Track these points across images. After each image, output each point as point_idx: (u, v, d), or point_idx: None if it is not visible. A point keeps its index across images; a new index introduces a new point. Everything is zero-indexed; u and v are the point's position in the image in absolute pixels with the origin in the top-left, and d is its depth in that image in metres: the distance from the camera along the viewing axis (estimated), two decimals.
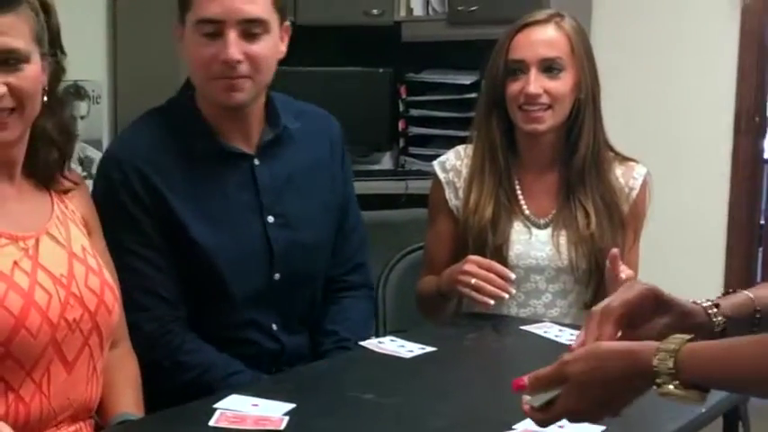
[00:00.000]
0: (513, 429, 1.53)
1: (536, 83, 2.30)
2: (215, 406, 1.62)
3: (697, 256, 4.12)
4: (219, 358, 2.02)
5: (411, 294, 2.49)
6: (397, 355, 1.98)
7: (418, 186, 3.72)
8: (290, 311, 2.14)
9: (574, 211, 2.36)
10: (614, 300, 1.40)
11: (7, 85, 1.60)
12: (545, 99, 2.31)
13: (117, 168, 2.02)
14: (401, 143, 4.42)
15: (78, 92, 3.61)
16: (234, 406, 1.63)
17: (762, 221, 4.32)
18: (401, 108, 4.39)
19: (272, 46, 2.04)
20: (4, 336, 1.56)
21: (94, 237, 1.82)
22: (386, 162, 4.47)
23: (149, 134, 2.07)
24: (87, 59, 3.62)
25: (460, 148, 2.49)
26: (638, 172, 2.43)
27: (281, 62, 2.10)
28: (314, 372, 1.94)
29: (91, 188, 1.97)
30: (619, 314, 1.39)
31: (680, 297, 1.44)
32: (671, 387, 1.22)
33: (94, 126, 3.66)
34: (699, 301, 1.44)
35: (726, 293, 1.48)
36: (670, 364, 1.22)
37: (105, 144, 3.72)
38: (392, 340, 2.06)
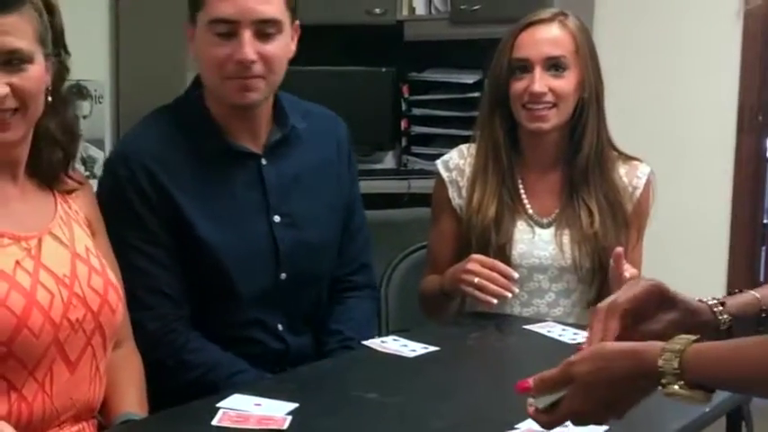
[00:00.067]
0: (516, 429, 1.53)
1: (541, 81, 2.31)
2: (218, 405, 1.62)
3: (700, 254, 4.11)
4: (224, 357, 2.02)
5: (414, 294, 2.49)
6: (399, 354, 1.98)
7: (421, 185, 3.72)
8: (296, 311, 2.14)
9: (577, 210, 2.36)
10: (619, 296, 1.40)
11: (10, 85, 1.60)
12: (550, 97, 2.31)
13: (124, 165, 2.02)
14: (404, 142, 4.42)
15: (81, 91, 3.61)
16: (237, 405, 1.63)
17: (765, 220, 4.31)
18: (404, 107, 4.39)
19: (285, 46, 2.05)
20: (6, 335, 1.55)
21: (98, 237, 1.82)
22: (388, 161, 4.46)
23: (157, 132, 2.07)
24: (90, 59, 3.62)
25: (463, 147, 2.49)
26: (642, 171, 2.43)
27: None
28: (317, 371, 1.93)
29: (96, 186, 1.97)
30: (624, 310, 1.39)
31: (685, 294, 1.44)
32: (676, 387, 1.22)
33: (97, 126, 3.66)
34: (704, 300, 1.44)
35: (732, 293, 1.48)
36: (675, 364, 1.22)
37: (108, 143, 3.72)
38: (395, 340, 2.06)
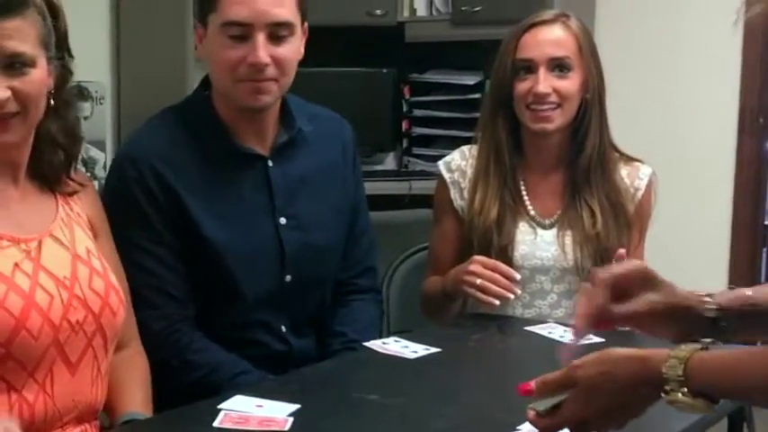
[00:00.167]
0: (518, 431, 1.53)
1: (545, 82, 2.31)
2: (219, 407, 1.62)
3: (701, 256, 4.11)
4: (227, 358, 2.02)
5: (415, 295, 2.49)
6: (401, 355, 1.97)
7: (422, 187, 3.72)
8: (300, 314, 2.14)
9: (579, 211, 2.36)
10: (605, 271, 1.43)
11: (12, 89, 1.59)
12: (554, 98, 2.32)
13: (132, 166, 2.02)
14: (404, 143, 4.42)
15: (81, 93, 3.60)
16: (238, 407, 1.63)
17: (766, 222, 4.31)
18: (405, 108, 4.38)
19: (296, 48, 2.06)
20: (4, 337, 1.55)
21: (101, 239, 1.82)
22: (389, 162, 4.46)
23: (165, 133, 2.07)
24: (90, 61, 3.61)
25: (465, 148, 2.49)
26: (644, 172, 2.43)
27: None
28: (318, 373, 1.93)
29: (102, 185, 1.97)
30: (608, 283, 1.41)
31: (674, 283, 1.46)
32: (679, 395, 1.22)
33: (98, 127, 3.65)
34: (695, 291, 1.45)
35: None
36: (680, 371, 1.22)
37: (109, 145, 3.71)
38: (396, 341, 2.06)
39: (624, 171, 2.42)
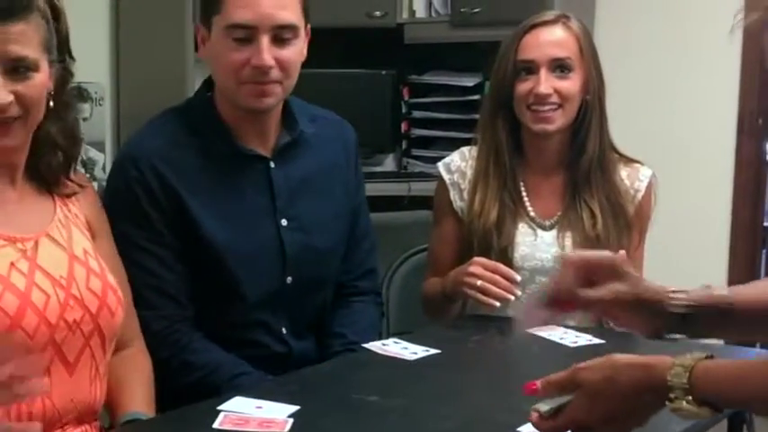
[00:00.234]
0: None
1: (546, 83, 2.31)
2: (219, 408, 1.62)
3: (700, 257, 4.10)
4: (227, 358, 2.02)
5: (415, 296, 2.49)
6: (401, 357, 1.97)
7: (421, 188, 3.72)
8: (301, 316, 2.14)
9: (579, 212, 2.36)
10: (575, 254, 1.51)
11: (14, 93, 1.59)
12: (555, 99, 2.32)
13: (134, 166, 2.02)
14: (404, 145, 4.41)
15: (81, 94, 3.60)
16: (238, 408, 1.63)
17: (765, 223, 4.31)
18: (404, 110, 4.38)
19: (300, 50, 2.06)
20: None
21: (100, 239, 1.81)
22: (388, 164, 4.45)
23: (166, 133, 2.07)
24: (90, 62, 3.61)
25: (465, 149, 2.49)
26: (644, 174, 2.43)
27: None
28: (318, 374, 1.93)
29: (104, 185, 1.96)
30: (577, 266, 1.46)
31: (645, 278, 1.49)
32: (684, 403, 1.22)
33: (97, 128, 3.65)
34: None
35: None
36: (684, 379, 1.21)
37: (108, 146, 3.71)
38: (396, 342, 2.06)
39: (624, 172, 2.42)
